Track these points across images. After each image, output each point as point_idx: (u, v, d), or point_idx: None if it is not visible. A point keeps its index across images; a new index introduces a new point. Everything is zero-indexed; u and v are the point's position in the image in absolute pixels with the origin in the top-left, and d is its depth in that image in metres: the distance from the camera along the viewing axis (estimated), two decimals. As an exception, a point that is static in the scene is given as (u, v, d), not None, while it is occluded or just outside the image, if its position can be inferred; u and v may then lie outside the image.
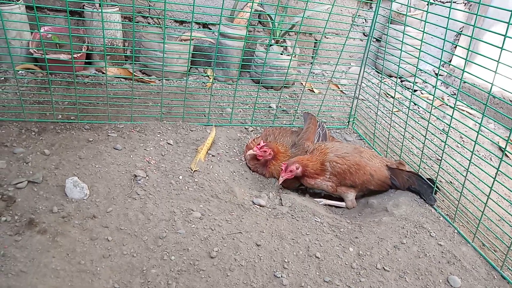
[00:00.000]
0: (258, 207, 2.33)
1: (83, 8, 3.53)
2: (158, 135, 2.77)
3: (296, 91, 3.97)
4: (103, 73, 3.54)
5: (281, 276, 1.87)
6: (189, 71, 3.77)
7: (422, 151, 2.68)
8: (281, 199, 2.44)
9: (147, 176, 2.33)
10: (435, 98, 2.68)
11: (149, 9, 3.88)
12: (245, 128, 3.19)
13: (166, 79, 3.70)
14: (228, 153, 2.78)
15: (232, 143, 2.92)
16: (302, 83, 4.16)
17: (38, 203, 2.02)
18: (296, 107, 3.46)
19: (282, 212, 2.31)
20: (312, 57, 4.66)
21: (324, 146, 2.53)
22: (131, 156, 2.49)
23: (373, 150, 2.63)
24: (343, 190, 2.52)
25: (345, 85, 4.25)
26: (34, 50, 3.34)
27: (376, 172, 2.50)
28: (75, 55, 3.40)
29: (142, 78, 3.64)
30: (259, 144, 2.58)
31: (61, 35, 3.55)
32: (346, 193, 2.52)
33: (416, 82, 4.13)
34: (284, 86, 3.72)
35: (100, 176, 2.27)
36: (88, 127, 2.74)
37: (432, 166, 2.97)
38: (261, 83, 3.22)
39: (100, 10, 3.42)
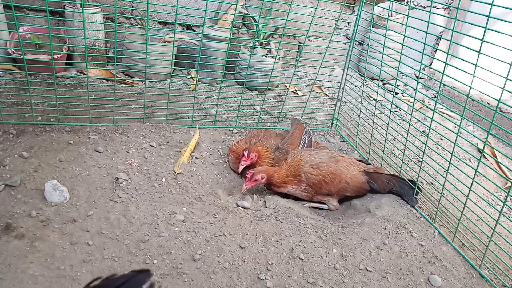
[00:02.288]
0: (242, 209, 2.33)
1: (64, 8, 3.46)
2: (141, 137, 2.74)
3: (280, 93, 3.99)
4: (85, 74, 3.49)
5: (265, 278, 1.86)
6: (172, 73, 3.75)
7: (404, 153, 2.72)
8: (265, 201, 2.44)
9: (129, 179, 2.30)
10: (416, 100, 2.73)
11: (132, 9, 3.84)
12: (229, 130, 3.18)
13: (149, 81, 3.67)
14: (212, 155, 2.77)
15: (216, 145, 2.91)
16: (286, 86, 4.18)
17: (15, 207, 1.96)
18: (280, 109, 3.48)
19: (266, 214, 2.31)
20: (296, 59, 4.69)
21: (299, 156, 2.55)
22: (113, 158, 2.46)
23: (351, 157, 2.67)
24: (319, 198, 2.55)
25: (328, 87, 4.29)
26: (12, 50, 3.26)
27: (352, 179, 2.54)
28: (55, 56, 3.34)
29: (124, 80, 3.60)
30: (244, 156, 2.57)
31: (41, 36, 3.47)
32: (324, 200, 2.56)
33: (397, 85, 4.20)
34: (268, 88, 3.73)
35: (81, 179, 2.24)
36: (69, 129, 2.69)
37: (413, 167, 3.02)
38: (245, 85, 3.22)
39: (81, 10, 3.36)
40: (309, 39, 4.70)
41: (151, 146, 2.67)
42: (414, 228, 2.34)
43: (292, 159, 2.54)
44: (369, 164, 2.91)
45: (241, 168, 2.52)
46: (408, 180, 2.63)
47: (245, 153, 2.55)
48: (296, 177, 2.48)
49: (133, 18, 3.86)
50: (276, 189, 2.50)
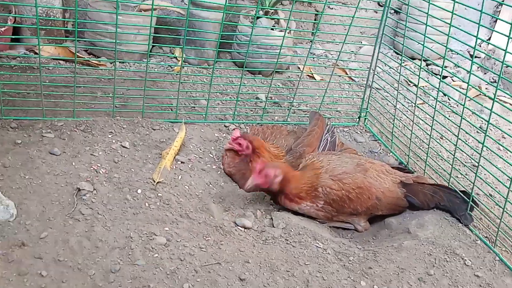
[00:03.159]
0: (242, 229, 2.33)
1: (9, -33, 3.48)
2: (110, 136, 2.75)
3: (292, 78, 3.98)
4: (36, 53, 3.49)
5: (273, 320, 1.87)
6: (150, 51, 3.75)
7: (454, 155, 2.72)
8: (272, 218, 2.44)
9: (94, 190, 2.31)
10: (470, 86, 2.72)
11: (97, -31, 3.84)
12: (225, 126, 3.19)
13: (120, 62, 3.67)
14: (202, 158, 2.77)
15: (208, 146, 2.91)
16: (299, 67, 4.17)
17: None
18: (292, 99, 3.48)
19: (274, 236, 2.31)
20: (312, 33, 4.69)
21: (318, 163, 2.55)
22: (74, 163, 2.46)
23: (383, 163, 2.66)
24: (342, 219, 2.55)
25: (355, 69, 4.28)
26: None
27: (385, 194, 2.54)
28: (-2, 30, 3.35)
29: (88, 61, 3.60)
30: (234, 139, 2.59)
31: (-21, 3, 3.49)
32: (349, 220, 2.56)
33: (445, 67, 4.19)
34: (276, 71, 3.73)
35: (32, 191, 2.24)
36: (16, 125, 2.69)
37: (466, 174, 3.01)
38: (245, 67, 3.22)
39: (31, -30, 3.38)
40: (329, 7, 4.70)
41: (123, 147, 2.67)
42: (468, 254, 2.33)
43: (311, 165, 2.54)
44: (409, 171, 2.90)
45: (249, 183, 2.37)
46: (460, 191, 2.62)
47: (234, 134, 2.55)
48: (312, 192, 2.48)
49: (99, -21, 3.87)
50: (286, 202, 2.49)
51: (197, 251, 2.09)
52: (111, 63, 3.63)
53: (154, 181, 2.44)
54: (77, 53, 3.04)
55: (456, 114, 3.46)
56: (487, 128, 2.49)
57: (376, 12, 4.63)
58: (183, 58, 3.72)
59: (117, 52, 2.97)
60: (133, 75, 3.54)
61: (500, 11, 4.90)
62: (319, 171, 2.50)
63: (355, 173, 2.52)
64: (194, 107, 3.35)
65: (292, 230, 2.36)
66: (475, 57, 4.88)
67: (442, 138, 3.36)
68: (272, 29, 3.90)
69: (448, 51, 2.99)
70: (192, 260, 2.04)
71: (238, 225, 2.34)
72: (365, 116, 3.58)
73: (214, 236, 2.21)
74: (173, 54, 4.03)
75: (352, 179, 2.50)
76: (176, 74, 3.63)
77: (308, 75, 4.12)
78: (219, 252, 2.12)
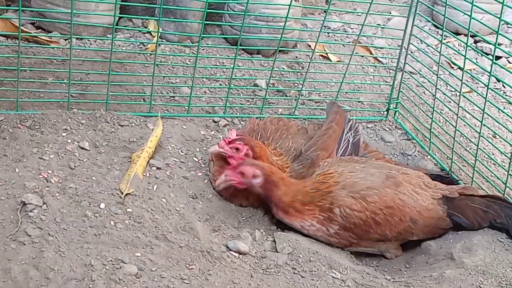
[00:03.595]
0: (237, 255, 2.32)
1: None
2: (64, 134, 2.73)
3: (300, 59, 3.98)
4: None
5: None
6: (117, 25, 3.74)
7: (511, 159, 2.72)
8: (274, 241, 2.44)
9: (44, 204, 2.30)
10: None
11: None
12: (214, 122, 3.19)
13: (77, 38, 3.66)
14: (184, 163, 2.77)
15: (192, 147, 2.90)
16: (309, 45, 4.17)
17: None
18: (301, 86, 3.47)
19: (277, 264, 2.30)
20: (327, 1, 4.69)
21: (332, 174, 2.55)
22: (17, 170, 2.45)
23: (419, 170, 2.65)
24: (365, 245, 2.56)
25: (382, 48, 4.28)
26: None
27: (422, 213, 2.54)
28: None
29: (36, 36, 3.59)
30: (225, 140, 2.59)
31: None
32: (375, 246, 2.57)
33: (499, 44, 4.19)
34: (280, 50, 3.72)
35: (-38, 205, 2.23)
36: None
37: (527, 183, 3.02)
38: (240, 45, 3.21)
39: None
40: (348, -34, 4.70)
41: (82, 148, 2.66)
42: (529, 287, 2.33)
43: (322, 176, 2.54)
44: (452, 180, 2.89)
45: (220, 181, 2.47)
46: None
47: (231, 135, 2.56)
48: (324, 211, 2.48)
49: None
50: (280, 214, 2.50)
51: (178, 283, 2.08)
52: (65, 39, 3.61)
53: (122, 193, 2.42)
54: (21, 27, 3.03)
55: (513, 105, 3.48)
56: (553, 123, 2.49)
57: (409, -26, 4.64)
58: (159, 34, 3.71)
59: (74, 26, 2.95)
60: (94, 56, 3.52)
61: None
62: (336, 186, 2.50)
63: (383, 189, 2.51)
64: (174, 96, 3.34)
65: (301, 256, 2.35)
66: (537, 32, 4.87)
67: (495, 137, 3.37)
68: (274, -5, 3.89)
69: (502, 24, 2.99)
70: (171, 295, 2.04)
71: (231, 250, 2.33)
72: (396, 108, 3.58)
73: (199, 264, 2.20)
74: (146, 28, 4.02)
75: (380, 196, 2.49)
76: (150, 54, 3.61)
77: (322, 55, 4.12)
78: (207, 285, 2.10)
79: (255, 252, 2.36)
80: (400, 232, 2.53)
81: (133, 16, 4.07)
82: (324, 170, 2.58)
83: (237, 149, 2.58)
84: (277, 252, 2.38)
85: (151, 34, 3.93)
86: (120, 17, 3.91)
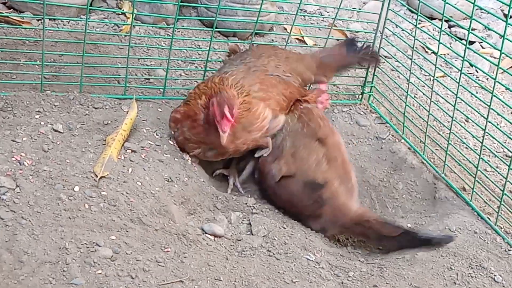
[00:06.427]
0: (212, 238, 2.33)
1: None
2: (37, 116, 2.71)
3: (276, 42, 3.97)
4: None
5: None
6: (91, 5, 3.70)
7: (482, 143, 2.75)
8: (250, 223, 2.45)
9: (17, 187, 2.28)
10: (503, 55, 2.75)
11: None
12: (189, 104, 3.17)
13: (49, 19, 3.61)
14: (159, 146, 2.75)
15: (167, 130, 2.89)
16: (285, 28, 4.16)
17: None
18: (276, 69, 3.47)
19: (252, 246, 2.32)
20: (303, -16, 4.67)
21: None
22: (-11, 152, 2.43)
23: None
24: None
25: (357, 32, 4.29)
26: None
27: None
28: None
29: (7, 17, 3.53)
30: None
31: None
32: None
33: (473, 29, 4.23)
34: (256, 33, 3.71)
35: None
36: None
37: (497, 166, 3.06)
38: (216, 27, 3.19)
39: None
40: (324, -51, 4.68)
41: (55, 130, 2.64)
42: (498, 268, 2.37)
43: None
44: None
45: (224, 138, 2.43)
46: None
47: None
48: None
49: None
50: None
51: (153, 266, 2.09)
52: (38, 20, 3.56)
53: (96, 176, 2.41)
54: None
55: (486, 90, 3.51)
56: (524, 108, 2.53)
57: (385, -42, 4.64)
58: (134, 15, 3.67)
59: (46, 6, 2.91)
60: (67, 37, 3.48)
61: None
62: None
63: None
64: (149, 79, 3.31)
65: (276, 239, 2.37)
66: (511, 16, 4.92)
67: (467, 121, 3.41)
68: (250, -23, 3.87)
69: (476, 9, 3.02)
70: (146, 277, 2.03)
71: (206, 233, 2.34)
72: (370, 92, 3.60)
73: (175, 247, 2.21)
74: (120, 9, 3.97)
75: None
76: (125, 36, 3.59)
77: (298, 39, 4.12)
78: (182, 267, 2.11)
79: (231, 235, 2.38)
80: None
81: (107, -3, 4.03)
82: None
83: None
84: (252, 234, 2.40)
85: (125, 16, 3.89)
86: (93, -2, 3.87)
